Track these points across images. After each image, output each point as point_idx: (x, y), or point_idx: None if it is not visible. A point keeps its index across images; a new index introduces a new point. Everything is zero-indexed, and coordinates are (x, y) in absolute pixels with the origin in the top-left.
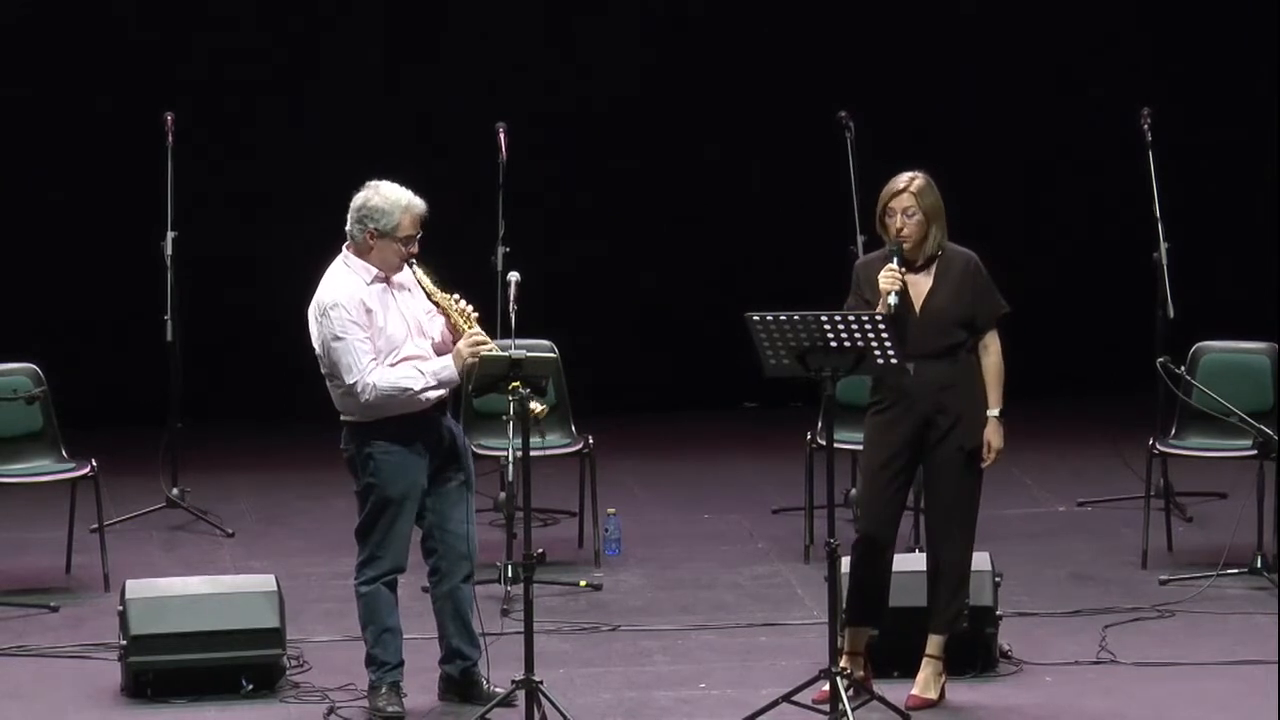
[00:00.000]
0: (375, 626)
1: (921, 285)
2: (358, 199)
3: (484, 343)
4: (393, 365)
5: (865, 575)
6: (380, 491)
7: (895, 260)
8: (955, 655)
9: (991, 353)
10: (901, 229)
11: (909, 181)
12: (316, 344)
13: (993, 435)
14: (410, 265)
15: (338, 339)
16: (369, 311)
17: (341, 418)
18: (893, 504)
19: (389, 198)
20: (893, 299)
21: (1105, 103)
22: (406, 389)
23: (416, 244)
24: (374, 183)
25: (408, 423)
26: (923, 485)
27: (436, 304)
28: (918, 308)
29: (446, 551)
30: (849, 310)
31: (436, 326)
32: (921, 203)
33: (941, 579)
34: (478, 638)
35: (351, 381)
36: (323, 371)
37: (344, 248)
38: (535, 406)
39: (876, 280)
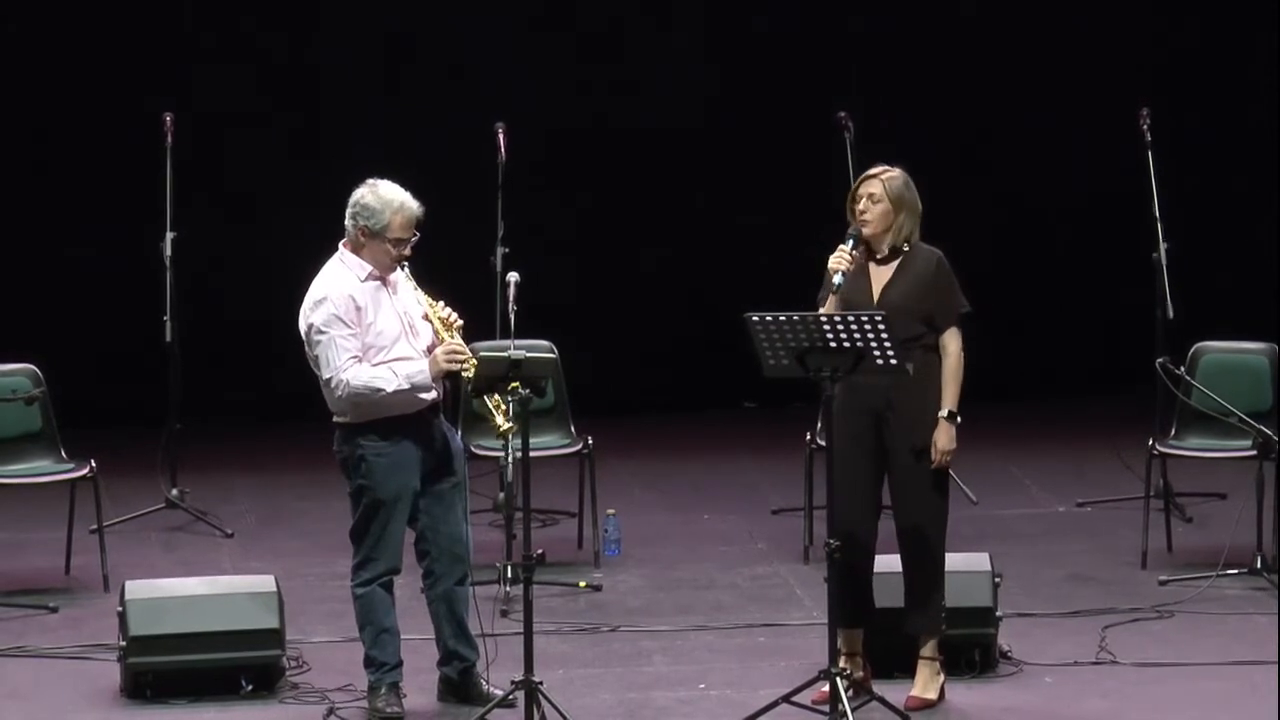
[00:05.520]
0: (372, 628)
1: (882, 276)
2: (354, 195)
3: (460, 352)
4: (380, 364)
5: (847, 577)
6: (373, 493)
7: (851, 243)
8: (954, 656)
9: (950, 352)
10: (864, 212)
11: (882, 171)
12: (303, 337)
13: (940, 435)
14: (402, 267)
15: (320, 333)
16: (359, 309)
17: (334, 419)
18: (866, 503)
19: (382, 197)
20: (838, 279)
21: (1105, 103)
22: (379, 389)
23: (409, 246)
24: (373, 181)
25: (400, 424)
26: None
27: (425, 309)
28: (875, 299)
29: (440, 553)
30: (849, 311)
31: (430, 328)
32: (888, 191)
33: (913, 581)
34: (474, 639)
35: (327, 377)
36: (311, 366)
37: (340, 244)
38: (502, 424)
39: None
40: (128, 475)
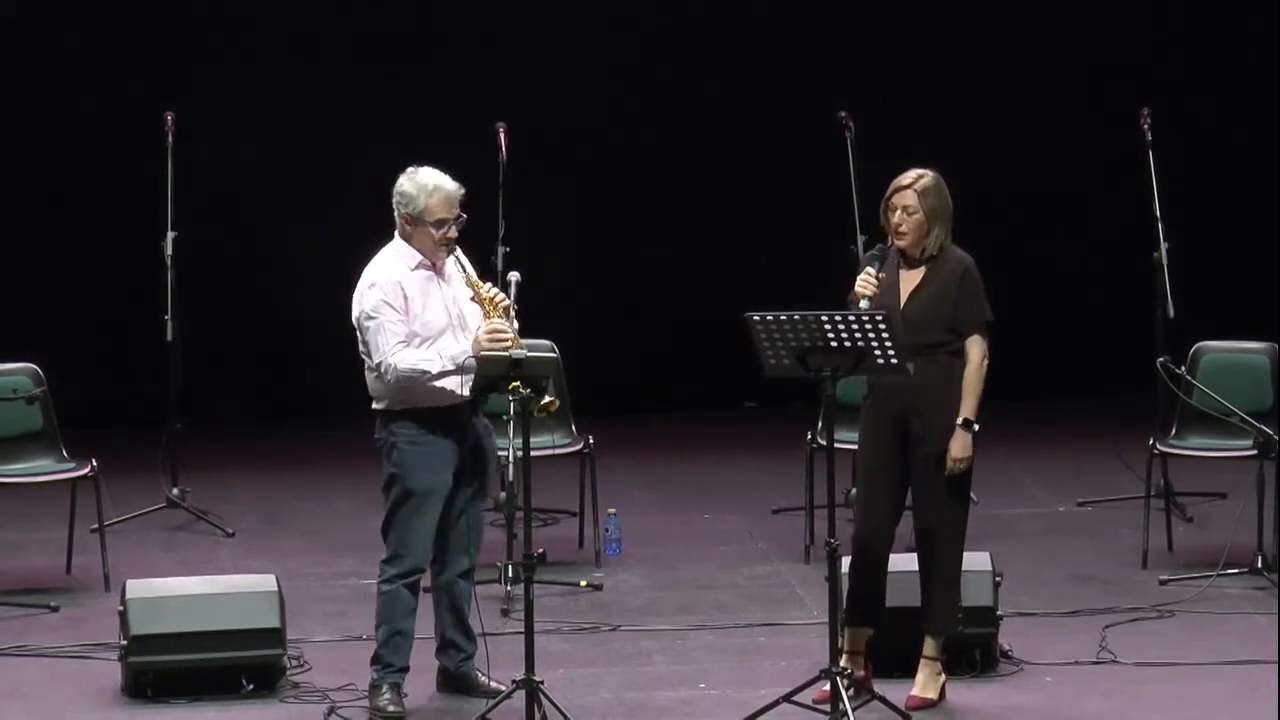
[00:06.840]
0: (388, 627)
1: (911, 282)
2: (396, 184)
3: (502, 332)
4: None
5: (861, 576)
6: (403, 483)
7: (876, 266)
8: (954, 655)
9: (970, 360)
10: (899, 226)
11: (915, 179)
12: (355, 325)
13: (953, 443)
14: (454, 252)
15: (370, 318)
16: (406, 297)
17: (373, 405)
18: (886, 504)
19: (418, 182)
20: (863, 304)
21: (1105, 102)
22: (425, 371)
23: (454, 228)
24: (413, 168)
25: (436, 416)
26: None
27: (472, 290)
28: (902, 304)
29: (451, 545)
30: (849, 310)
31: (479, 316)
32: (923, 202)
33: (930, 581)
34: (473, 631)
35: (376, 361)
36: (360, 352)
37: (395, 233)
38: (545, 400)
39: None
40: (128, 475)
